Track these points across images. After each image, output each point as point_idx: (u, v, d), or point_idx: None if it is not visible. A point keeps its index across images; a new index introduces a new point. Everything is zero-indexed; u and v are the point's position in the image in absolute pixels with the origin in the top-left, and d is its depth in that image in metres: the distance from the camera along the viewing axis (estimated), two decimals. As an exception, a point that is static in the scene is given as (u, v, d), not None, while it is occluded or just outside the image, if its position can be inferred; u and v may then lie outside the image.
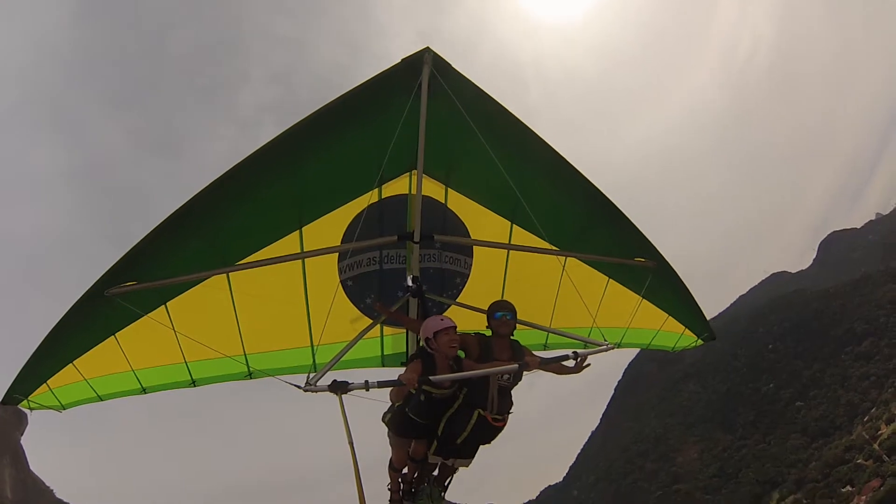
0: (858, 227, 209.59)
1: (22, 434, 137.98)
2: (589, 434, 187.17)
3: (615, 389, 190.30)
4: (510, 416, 5.67)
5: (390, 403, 6.02)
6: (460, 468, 6.05)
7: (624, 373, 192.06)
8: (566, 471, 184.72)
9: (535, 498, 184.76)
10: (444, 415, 5.54)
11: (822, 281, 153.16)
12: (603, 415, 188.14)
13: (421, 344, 5.59)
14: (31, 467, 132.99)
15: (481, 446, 5.78)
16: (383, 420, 6.00)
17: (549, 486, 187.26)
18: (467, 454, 5.79)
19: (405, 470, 6.18)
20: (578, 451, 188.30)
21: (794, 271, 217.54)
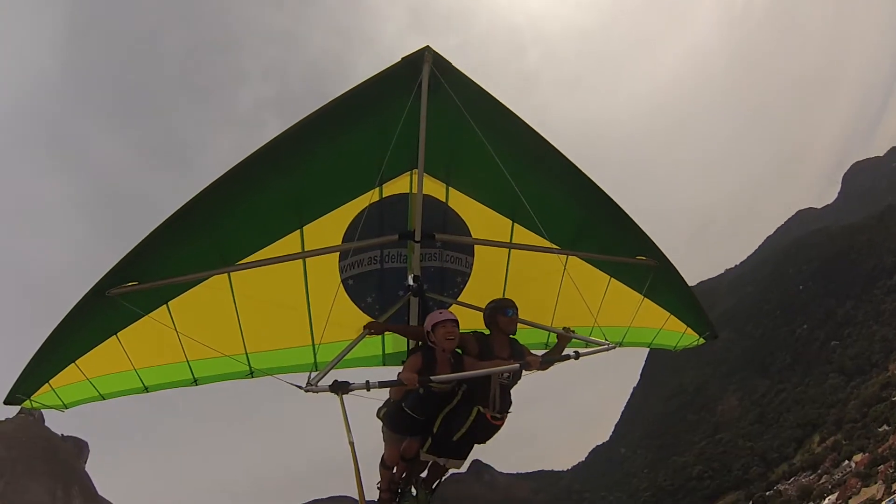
0: (881, 154, 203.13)
1: (85, 462, 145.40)
2: (630, 390, 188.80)
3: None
4: (508, 415, 5.74)
5: (388, 398, 6.08)
6: (451, 469, 6.09)
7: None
8: (612, 429, 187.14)
9: (584, 459, 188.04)
10: (442, 411, 5.61)
11: (849, 214, 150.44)
12: (642, 370, 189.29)
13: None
14: (100, 492, 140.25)
15: (476, 445, 5.85)
16: (378, 415, 6.05)
17: (597, 445, 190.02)
18: (461, 453, 5.84)
19: (395, 469, 6.18)
20: (622, 408, 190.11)
21: (819, 207, 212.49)
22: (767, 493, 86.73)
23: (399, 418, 5.73)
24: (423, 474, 6.29)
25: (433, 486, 6.30)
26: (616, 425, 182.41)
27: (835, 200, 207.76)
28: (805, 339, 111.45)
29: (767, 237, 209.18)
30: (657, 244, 6.12)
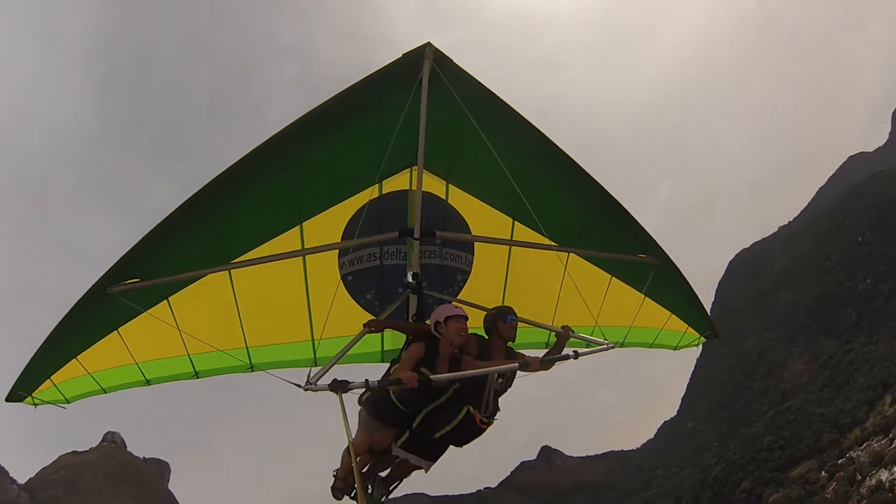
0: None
1: (168, 481, 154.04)
2: (694, 361, 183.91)
3: (710, 311, 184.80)
4: (494, 422, 5.73)
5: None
6: (413, 472, 6.01)
7: (716, 293, 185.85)
8: (678, 403, 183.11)
9: (653, 435, 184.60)
10: (427, 405, 5.57)
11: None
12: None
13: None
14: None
15: (451, 448, 5.78)
16: (359, 400, 5.88)
17: (665, 420, 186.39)
18: (435, 454, 5.78)
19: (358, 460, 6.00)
20: (687, 380, 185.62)
21: (871, 150, 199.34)
22: (839, 462, 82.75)
23: (383, 406, 5.64)
24: (383, 474, 6.18)
25: (391, 488, 6.14)
26: (682, 399, 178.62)
27: (886, 141, 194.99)
28: (869, 294, 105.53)
29: (819, 189, 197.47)
30: (663, 242, 6.13)
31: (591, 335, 6.46)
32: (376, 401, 5.67)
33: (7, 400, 5.83)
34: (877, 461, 72.93)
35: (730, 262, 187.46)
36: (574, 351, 5.66)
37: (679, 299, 7.09)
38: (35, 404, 6.04)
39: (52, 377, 5.83)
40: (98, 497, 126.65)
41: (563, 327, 6.13)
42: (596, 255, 6.53)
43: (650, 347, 7.97)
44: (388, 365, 6.55)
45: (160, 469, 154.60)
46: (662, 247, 6.20)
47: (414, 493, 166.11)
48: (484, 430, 5.61)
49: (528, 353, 5.85)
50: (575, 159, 5.27)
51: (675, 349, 8.13)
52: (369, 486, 6.01)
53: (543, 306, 6.90)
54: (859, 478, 73.99)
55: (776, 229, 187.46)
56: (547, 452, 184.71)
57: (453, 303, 6.33)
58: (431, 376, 5.13)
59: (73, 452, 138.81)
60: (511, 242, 6.42)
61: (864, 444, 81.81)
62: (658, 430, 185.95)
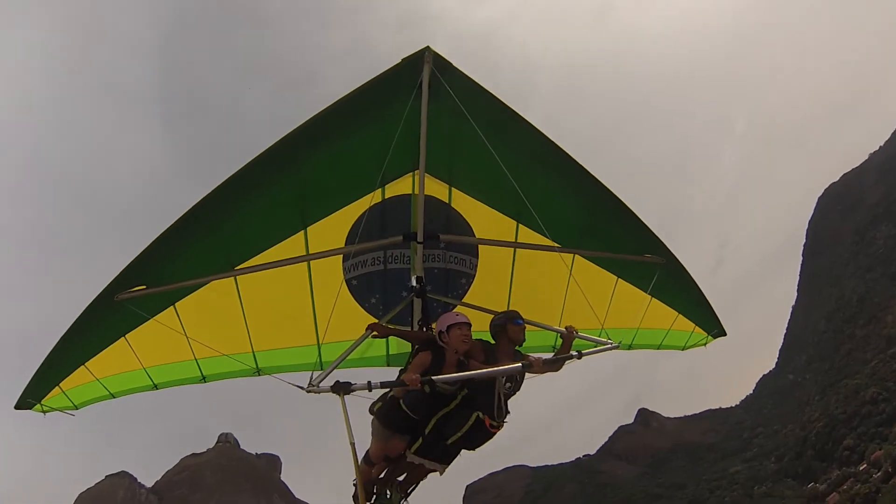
0: None
1: (280, 473, 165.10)
2: (790, 310, 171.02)
3: (803, 255, 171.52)
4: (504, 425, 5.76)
5: (386, 393, 5.94)
6: (428, 476, 6.02)
7: (806, 233, 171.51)
8: (777, 355, 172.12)
9: (752, 391, 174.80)
10: (437, 413, 5.59)
11: None
12: (798, 285, 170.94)
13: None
14: (297, 496, 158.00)
15: (464, 451, 5.78)
16: (371, 410, 5.88)
17: (764, 374, 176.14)
18: (448, 458, 5.82)
19: (374, 468, 6.16)
20: (784, 330, 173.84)
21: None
22: (947, 415, 74.19)
23: (394, 415, 5.67)
24: (400, 478, 6.23)
25: (408, 491, 6.18)
26: (780, 350, 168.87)
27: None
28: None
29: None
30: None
31: (599, 337, 6.40)
32: (387, 410, 5.69)
33: (16, 408, 5.91)
34: None
35: (819, 198, 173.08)
36: (578, 352, 5.70)
37: (684, 298, 7.00)
38: (44, 412, 6.11)
39: (60, 384, 5.93)
40: (219, 491, 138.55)
41: (567, 328, 6.05)
42: (599, 255, 6.47)
43: (658, 349, 7.91)
44: (390, 369, 6.67)
45: (272, 463, 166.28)
46: (669, 243, 6.08)
47: (516, 466, 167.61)
48: (494, 433, 5.62)
49: (534, 356, 5.79)
50: (578, 160, 5.20)
51: (682, 349, 8.02)
52: (388, 491, 6.06)
53: (549, 309, 6.84)
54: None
55: (867, 156, 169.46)
56: (644, 415, 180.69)
57: (457, 307, 6.38)
58: (434, 377, 5.14)
59: (193, 454, 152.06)
60: (515, 245, 6.38)
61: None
62: (756, 384, 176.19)
